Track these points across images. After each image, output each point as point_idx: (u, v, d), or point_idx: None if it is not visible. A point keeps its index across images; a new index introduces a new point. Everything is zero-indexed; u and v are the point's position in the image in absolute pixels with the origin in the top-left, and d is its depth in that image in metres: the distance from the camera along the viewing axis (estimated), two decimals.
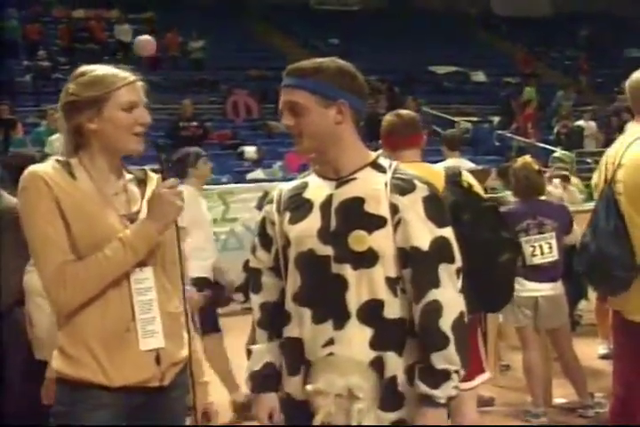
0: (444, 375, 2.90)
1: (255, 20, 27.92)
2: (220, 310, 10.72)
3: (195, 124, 16.96)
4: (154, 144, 3.42)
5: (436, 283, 2.93)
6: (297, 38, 27.89)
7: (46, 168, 2.98)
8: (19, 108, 19.04)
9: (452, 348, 2.90)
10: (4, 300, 4.44)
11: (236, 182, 14.43)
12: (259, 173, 16.56)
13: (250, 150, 18.64)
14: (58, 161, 3.03)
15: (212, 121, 19.97)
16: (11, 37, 22.64)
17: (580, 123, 20.62)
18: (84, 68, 3.09)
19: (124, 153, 3.09)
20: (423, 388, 2.90)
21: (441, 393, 2.89)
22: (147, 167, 3.30)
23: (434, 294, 2.92)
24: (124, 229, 2.98)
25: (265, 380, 3.17)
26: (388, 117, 4.89)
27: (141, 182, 3.19)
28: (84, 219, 2.93)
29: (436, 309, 2.91)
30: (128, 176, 3.16)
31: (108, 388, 2.96)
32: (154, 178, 3.23)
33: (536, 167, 6.50)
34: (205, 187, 12.01)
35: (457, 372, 2.92)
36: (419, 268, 2.94)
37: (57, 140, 14.53)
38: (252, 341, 3.24)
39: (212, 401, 3.37)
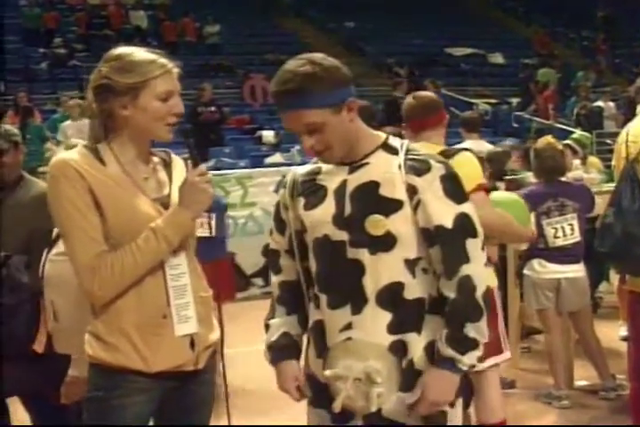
0: (474, 344, 2.94)
1: (271, 3, 27.84)
2: (238, 295, 10.80)
3: (213, 108, 16.92)
4: (180, 130, 3.37)
5: (466, 258, 2.95)
6: (313, 22, 27.82)
7: (75, 155, 2.95)
8: (36, 96, 19.08)
9: (484, 321, 2.96)
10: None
11: (254, 167, 14.41)
12: (277, 158, 16.55)
13: (268, 135, 18.63)
14: (85, 147, 3.00)
15: (230, 106, 19.95)
16: (32, 26, 22.69)
17: (600, 103, 20.49)
18: (119, 50, 3.01)
19: (154, 139, 3.07)
20: (450, 352, 2.92)
21: (467, 360, 2.93)
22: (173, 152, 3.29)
23: (466, 269, 2.94)
24: (157, 214, 2.98)
25: (283, 349, 3.17)
26: (407, 100, 4.92)
27: (167, 165, 3.18)
28: (116, 205, 2.92)
29: (470, 283, 2.94)
30: (155, 159, 3.14)
31: (145, 373, 2.98)
32: (178, 160, 3.23)
33: (560, 147, 6.46)
34: (224, 171, 12.07)
35: (482, 344, 2.98)
36: (447, 245, 2.95)
37: (69, 126, 14.52)
38: (269, 317, 3.25)
39: None
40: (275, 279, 3.26)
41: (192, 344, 3.06)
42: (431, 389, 2.93)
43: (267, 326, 3.24)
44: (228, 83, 22.18)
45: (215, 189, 3.14)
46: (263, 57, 23.68)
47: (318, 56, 2.94)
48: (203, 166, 3.00)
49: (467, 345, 2.93)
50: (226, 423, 3.31)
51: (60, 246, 4.06)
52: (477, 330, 2.94)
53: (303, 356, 3.23)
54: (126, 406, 2.99)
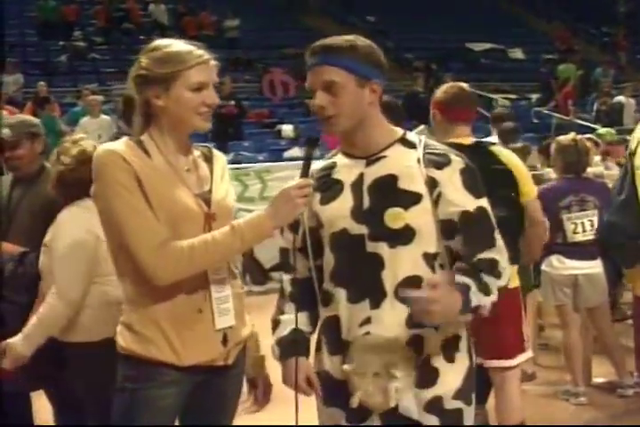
0: (486, 289, 2.87)
1: None
2: (256, 288, 10.79)
3: (232, 102, 16.93)
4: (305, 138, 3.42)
5: (492, 243, 2.95)
6: (333, 16, 27.74)
7: (121, 146, 2.95)
8: (55, 89, 19.10)
9: (498, 284, 2.90)
10: None
11: (273, 161, 14.43)
12: (296, 152, 16.53)
13: (287, 129, 18.64)
14: (130, 139, 2.99)
15: (249, 100, 19.95)
16: (47, 18, 22.70)
17: (621, 99, 20.33)
18: (158, 41, 3.05)
19: (190, 130, 3.06)
20: (467, 280, 2.85)
21: (478, 295, 2.84)
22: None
23: (491, 253, 2.93)
24: (199, 209, 2.97)
25: (293, 344, 3.13)
26: (449, 89, 4.85)
27: (208, 159, 3.17)
28: (159, 196, 2.90)
29: (495, 263, 2.92)
30: (195, 153, 3.14)
31: (176, 366, 2.98)
32: (220, 156, 3.23)
33: (587, 144, 6.44)
34: (243, 165, 12.09)
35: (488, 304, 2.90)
36: (472, 231, 2.94)
37: (89, 123, 14.56)
38: (279, 313, 3.23)
39: (268, 374, 3.41)
40: (286, 276, 3.26)
41: (224, 340, 3.05)
42: (440, 289, 2.73)
43: (275, 323, 3.23)
44: (247, 77, 22.15)
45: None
46: (282, 51, 23.64)
47: (368, 40, 3.03)
48: (305, 180, 2.95)
49: (481, 288, 2.85)
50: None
51: (46, 237, 4.09)
52: (492, 283, 2.88)
53: (313, 355, 3.20)
54: (156, 398, 2.99)
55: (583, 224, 6.18)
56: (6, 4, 19.24)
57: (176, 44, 3.01)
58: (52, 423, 4.64)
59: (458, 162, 2.99)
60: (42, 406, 4.79)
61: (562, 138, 6.49)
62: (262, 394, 3.37)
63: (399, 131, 3.10)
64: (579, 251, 6.19)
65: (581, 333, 6.49)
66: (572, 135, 6.47)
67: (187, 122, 2.99)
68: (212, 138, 16.35)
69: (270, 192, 11.06)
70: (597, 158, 9.19)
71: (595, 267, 6.27)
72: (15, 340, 3.91)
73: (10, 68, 18.85)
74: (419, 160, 2.98)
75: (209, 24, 24.12)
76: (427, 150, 3.00)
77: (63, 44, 22.26)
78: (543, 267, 6.36)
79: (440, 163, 2.97)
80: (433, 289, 2.70)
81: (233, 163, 13.03)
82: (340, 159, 3.13)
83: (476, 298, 2.83)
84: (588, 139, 8.55)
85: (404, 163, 2.98)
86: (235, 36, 24.04)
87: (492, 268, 2.92)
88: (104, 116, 14.71)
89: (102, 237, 3.17)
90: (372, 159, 3.03)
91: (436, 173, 2.95)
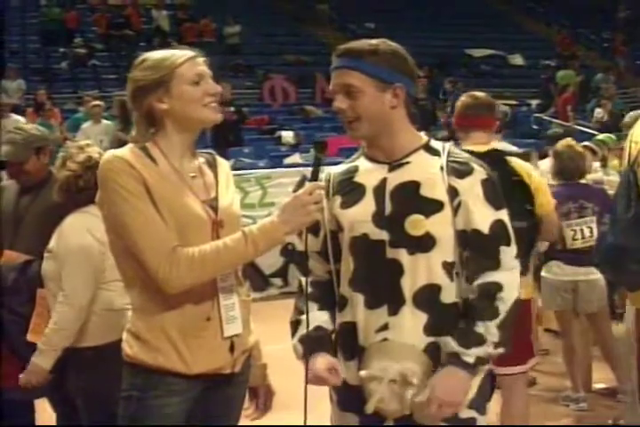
0: (480, 340, 2.89)
1: (290, 4, 27.81)
2: (256, 295, 10.79)
3: (232, 109, 16.94)
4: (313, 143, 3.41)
5: (496, 266, 2.95)
6: (332, 22, 27.78)
7: (126, 153, 2.94)
8: (56, 95, 19.14)
9: (496, 322, 2.90)
10: None
11: (273, 167, 14.43)
12: (296, 158, 16.55)
13: (287, 135, 18.65)
14: (135, 146, 2.99)
15: (249, 106, 19.96)
16: (52, 26, 22.73)
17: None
18: (144, 55, 3.08)
19: (201, 125, 3.07)
20: (453, 345, 2.89)
21: (472, 352, 2.87)
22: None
23: (494, 276, 2.94)
24: (207, 216, 2.97)
25: (317, 341, 3.08)
26: (463, 98, 4.97)
27: (212, 166, 3.17)
28: (170, 205, 2.90)
29: (495, 288, 2.93)
30: (200, 159, 3.14)
31: (183, 375, 2.97)
32: (223, 162, 3.24)
33: (580, 150, 6.45)
34: (243, 171, 12.09)
35: (493, 344, 2.90)
36: (479, 250, 2.95)
37: (91, 129, 14.57)
38: (298, 314, 3.17)
39: (269, 382, 3.40)
40: (304, 278, 3.18)
41: (232, 348, 3.05)
42: (437, 387, 2.87)
43: (295, 324, 3.17)
44: (247, 83, 22.18)
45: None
46: (283, 57, 23.68)
47: (396, 44, 3.02)
48: (317, 184, 2.91)
49: (472, 340, 2.89)
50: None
51: (50, 243, 4.11)
52: (486, 328, 2.89)
53: None
54: (163, 407, 2.98)
55: (582, 231, 6.19)
56: (8, 11, 19.29)
57: (159, 52, 3.05)
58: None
59: (480, 172, 2.99)
60: (43, 410, 4.80)
61: (558, 144, 6.51)
62: (263, 402, 3.36)
63: (423, 137, 3.09)
64: (578, 257, 6.19)
65: (581, 338, 6.50)
66: (567, 141, 6.49)
67: (195, 117, 3.00)
68: (212, 144, 16.40)
69: (271, 198, 11.05)
70: (596, 165, 9.18)
71: (594, 273, 6.26)
72: (34, 357, 3.95)
73: (11, 75, 18.90)
74: (442, 168, 2.97)
75: (210, 30, 24.14)
76: (450, 158, 3.00)
77: (64, 50, 22.31)
78: (543, 273, 6.37)
79: (462, 172, 2.97)
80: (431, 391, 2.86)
81: (233, 169, 12.89)
82: (362, 163, 3.11)
83: (471, 354, 2.88)
84: (585, 146, 8.53)
85: (428, 170, 2.98)
86: (235, 43, 24.06)
87: (490, 296, 2.93)
88: (106, 122, 14.72)
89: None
90: (395, 164, 3.02)
91: (457, 183, 2.95)
